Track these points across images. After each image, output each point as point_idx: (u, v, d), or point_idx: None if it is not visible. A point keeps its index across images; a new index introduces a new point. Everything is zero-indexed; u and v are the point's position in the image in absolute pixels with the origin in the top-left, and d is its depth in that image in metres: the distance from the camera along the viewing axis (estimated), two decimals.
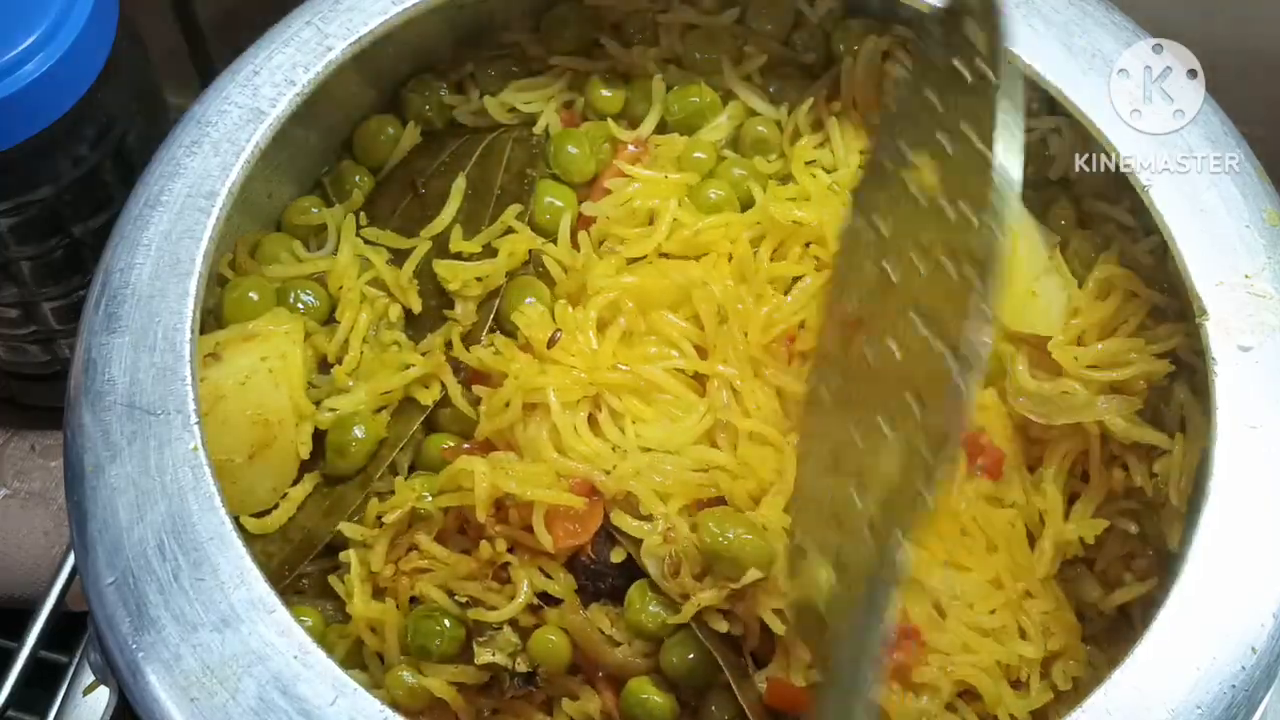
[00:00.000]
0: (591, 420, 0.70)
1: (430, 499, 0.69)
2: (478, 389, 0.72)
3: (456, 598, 0.68)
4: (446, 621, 0.68)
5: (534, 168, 0.79)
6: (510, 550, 0.68)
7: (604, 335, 0.72)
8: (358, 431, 0.72)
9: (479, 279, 0.75)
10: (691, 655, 0.67)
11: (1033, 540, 0.72)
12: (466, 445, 0.72)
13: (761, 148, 0.80)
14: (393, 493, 0.71)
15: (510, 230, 0.76)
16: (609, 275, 0.73)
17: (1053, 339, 0.73)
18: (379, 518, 0.70)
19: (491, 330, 0.75)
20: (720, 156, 0.80)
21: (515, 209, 0.77)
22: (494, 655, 0.67)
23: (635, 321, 0.73)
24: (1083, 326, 0.73)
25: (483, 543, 0.68)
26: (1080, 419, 0.71)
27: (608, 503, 0.68)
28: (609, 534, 0.68)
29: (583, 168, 0.79)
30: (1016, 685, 0.68)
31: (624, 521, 0.68)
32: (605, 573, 0.68)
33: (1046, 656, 0.69)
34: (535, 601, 0.68)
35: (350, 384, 0.74)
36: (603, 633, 0.67)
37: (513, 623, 0.68)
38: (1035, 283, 0.74)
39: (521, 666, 0.67)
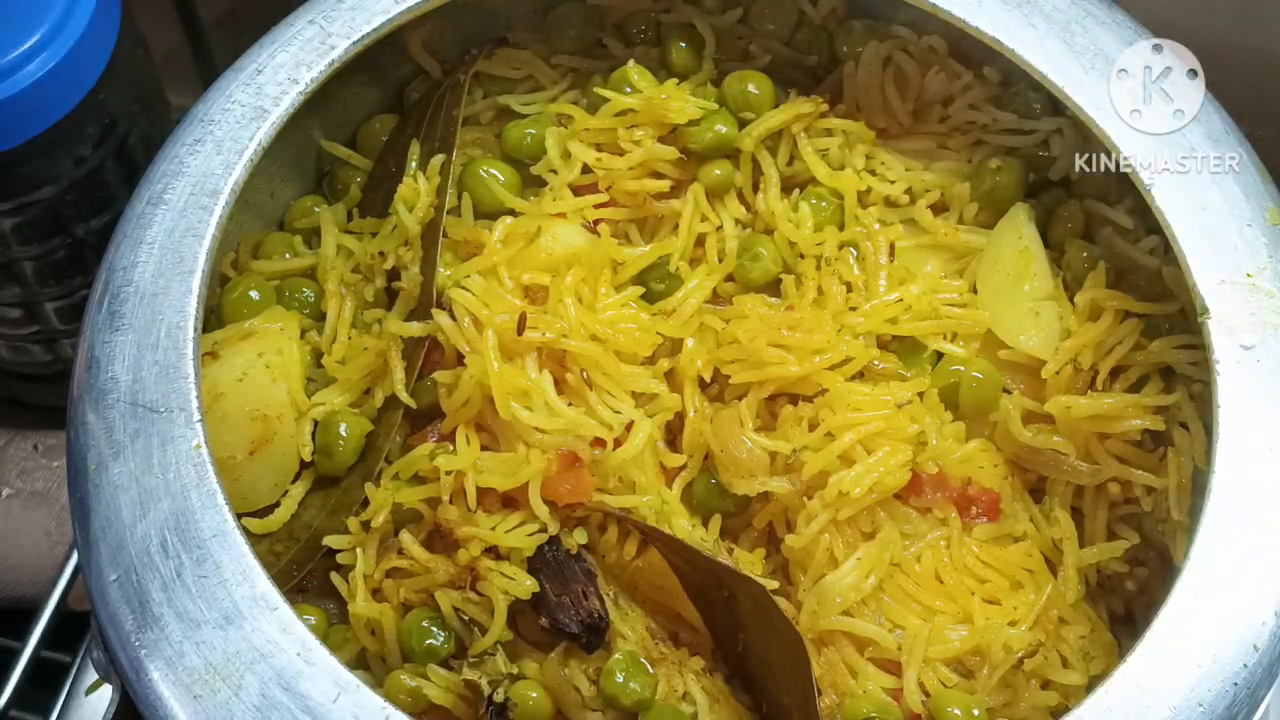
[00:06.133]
0: (559, 382, 0.70)
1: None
2: (439, 375, 0.70)
3: (461, 613, 0.67)
4: (438, 630, 0.67)
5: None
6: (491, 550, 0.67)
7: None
8: (342, 430, 0.71)
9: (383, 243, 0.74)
10: None
11: (1050, 565, 0.71)
12: (433, 435, 0.71)
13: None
14: None
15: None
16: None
17: (1047, 364, 0.72)
18: (364, 523, 0.69)
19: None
20: None
21: (439, 159, 0.76)
22: (478, 677, 0.66)
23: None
24: (1076, 348, 0.72)
25: (459, 550, 0.67)
26: (1071, 480, 0.71)
27: (593, 468, 0.68)
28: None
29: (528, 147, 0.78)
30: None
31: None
32: (567, 625, 0.67)
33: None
34: (510, 636, 0.67)
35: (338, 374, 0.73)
36: (579, 692, 0.66)
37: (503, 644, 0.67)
38: (1040, 304, 0.73)
39: (500, 697, 0.66)
